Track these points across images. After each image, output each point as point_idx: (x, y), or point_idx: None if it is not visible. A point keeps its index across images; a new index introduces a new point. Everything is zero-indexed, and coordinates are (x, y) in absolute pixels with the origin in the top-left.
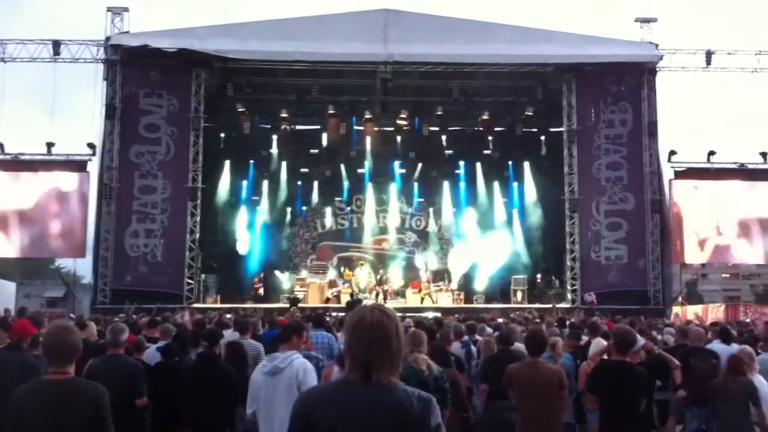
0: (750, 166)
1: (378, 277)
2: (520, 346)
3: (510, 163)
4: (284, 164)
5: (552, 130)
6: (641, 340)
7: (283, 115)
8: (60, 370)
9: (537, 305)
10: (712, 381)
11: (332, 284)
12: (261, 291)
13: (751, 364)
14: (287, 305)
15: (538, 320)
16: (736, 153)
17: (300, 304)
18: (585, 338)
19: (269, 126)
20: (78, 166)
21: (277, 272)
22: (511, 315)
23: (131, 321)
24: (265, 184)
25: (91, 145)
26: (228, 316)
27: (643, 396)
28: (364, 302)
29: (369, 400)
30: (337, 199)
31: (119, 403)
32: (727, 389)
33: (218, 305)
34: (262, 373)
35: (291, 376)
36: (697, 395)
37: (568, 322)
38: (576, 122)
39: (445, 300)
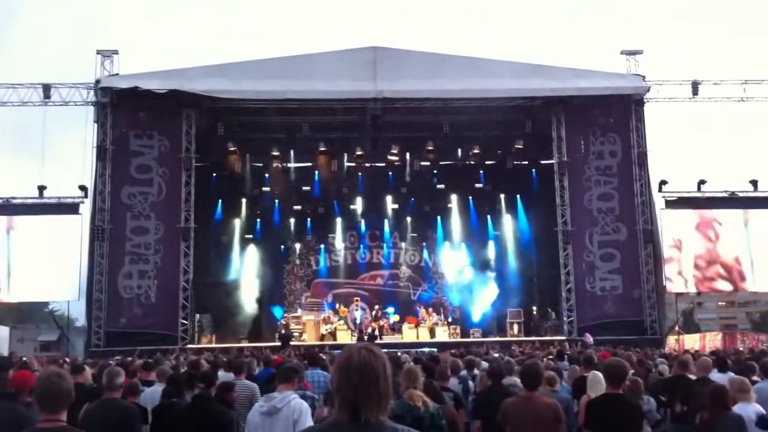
0: (740, 194)
1: (373, 313)
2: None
3: (502, 196)
4: (277, 202)
5: (542, 162)
6: None
7: (275, 153)
8: (52, 417)
9: (534, 338)
10: (701, 413)
11: (327, 320)
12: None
13: (747, 392)
14: (279, 343)
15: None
16: (727, 182)
17: (297, 342)
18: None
19: (261, 164)
20: (70, 208)
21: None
22: (512, 347)
23: (126, 364)
24: (258, 222)
25: (82, 188)
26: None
27: (639, 428)
28: (358, 341)
29: None
30: (330, 235)
31: None
32: (715, 425)
33: (213, 345)
34: (260, 413)
35: (288, 416)
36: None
37: (566, 355)
38: (566, 154)
39: (441, 334)
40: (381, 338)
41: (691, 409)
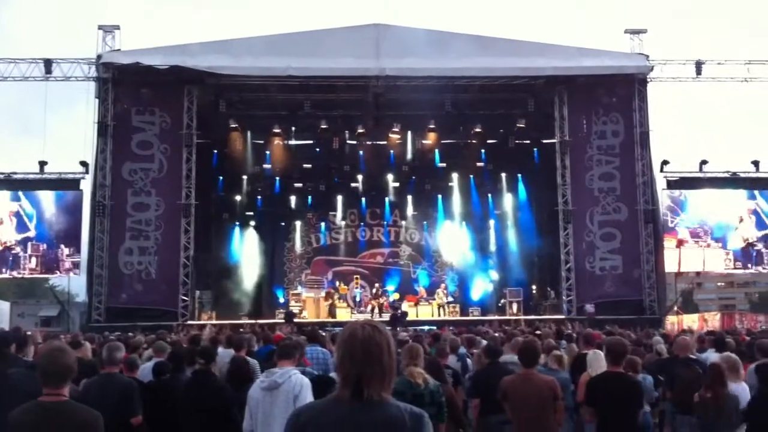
0: (742, 175)
1: (373, 290)
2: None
3: (503, 175)
4: (278, 179)
5: (544, 141)
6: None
7: (276, 130)
8: (54, 392)
9: (533, 317)
10: (699, 392)
11: (329, 296)
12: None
13: (737, 371)
14: (283, 321)
15: (539, 332)
16: (729, 162)
17: (297, 320)
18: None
19: (262, 141)
20: (71, 184)
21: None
22: (506, 327)
23: (126, 339)
24: (259, 199)
25: (83, 163)
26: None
27: (641, 406)
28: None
29: (360, 416)
30: (331, 213)
31: (114, 422)
32: (717, 402)
33: (213, 322)
34: (260, 388)
35: (288, 391)
36: (683, 403)
37: (565, 333)
38: (568, 134)
39: (441, 313)
40: (381, 315)
41: (676, 389)
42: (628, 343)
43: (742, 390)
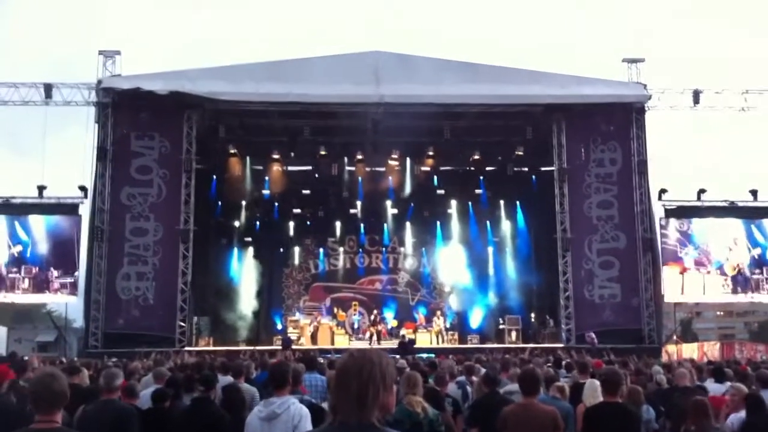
0: (740, 204)
1: (371, 317)
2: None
3: (501, 202)
4: (276, 205)
5: (543, 169)
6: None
7: (275, 156)
8: (47, 418)
9: (532, 345)
10: (684, 426)
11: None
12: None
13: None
14: (280, 347)
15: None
16: (726, 191)
17: (295, 346)
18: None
19: (261, 167)
20: (69, 209)
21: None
22: (505, 356)
23: (124, 365)
24: (258, 225)
25: (82, 188)
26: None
27: None
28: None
29: None
30: (329, 239)
31: None
32: None
33: (211, 348)
34: (258, 418)
35: (287, 421)
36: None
37: (564, 362)
38: (566, 161)
39: (439, 340)
40: (379, 342)
41: (674, 419)
42: (622, 372)
43: (737, 420)
